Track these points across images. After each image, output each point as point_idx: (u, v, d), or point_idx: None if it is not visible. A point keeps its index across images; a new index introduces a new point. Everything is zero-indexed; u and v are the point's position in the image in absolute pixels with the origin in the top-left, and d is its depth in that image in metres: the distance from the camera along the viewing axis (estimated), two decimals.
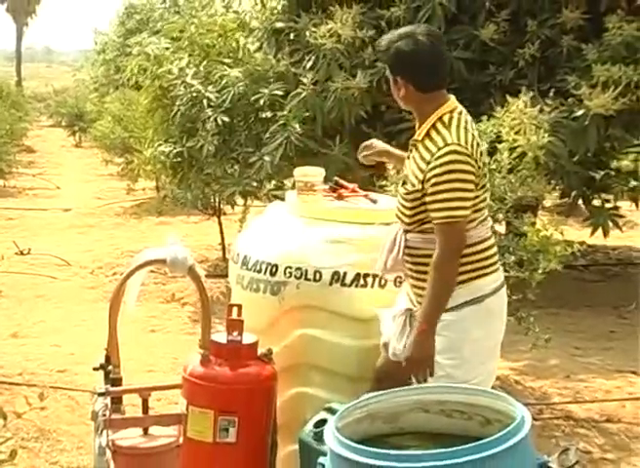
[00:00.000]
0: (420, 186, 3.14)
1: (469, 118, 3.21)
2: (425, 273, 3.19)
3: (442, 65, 3.29)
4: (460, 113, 3.20)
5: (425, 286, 3.18)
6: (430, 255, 3.14)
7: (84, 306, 7.47)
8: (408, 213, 3.22)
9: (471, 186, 3.10)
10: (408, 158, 3.29)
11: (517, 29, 6.73)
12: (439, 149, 3.08)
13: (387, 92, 6.59)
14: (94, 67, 24.44)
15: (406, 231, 3.26)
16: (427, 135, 3.16)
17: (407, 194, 3.21)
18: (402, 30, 3.27)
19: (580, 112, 6.00)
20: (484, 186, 3.21)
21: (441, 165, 3.06)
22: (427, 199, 3.12)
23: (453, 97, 3.25)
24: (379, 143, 3.73)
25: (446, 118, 3.16)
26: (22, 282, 8.19)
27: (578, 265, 8.65)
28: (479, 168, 3.12)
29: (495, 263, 3.27)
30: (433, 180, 3.08)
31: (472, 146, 3.10)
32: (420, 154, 3.17)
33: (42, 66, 75.64)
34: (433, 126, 3.16)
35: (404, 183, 3.26)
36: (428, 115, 3.18)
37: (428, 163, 3.10)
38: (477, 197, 3.16)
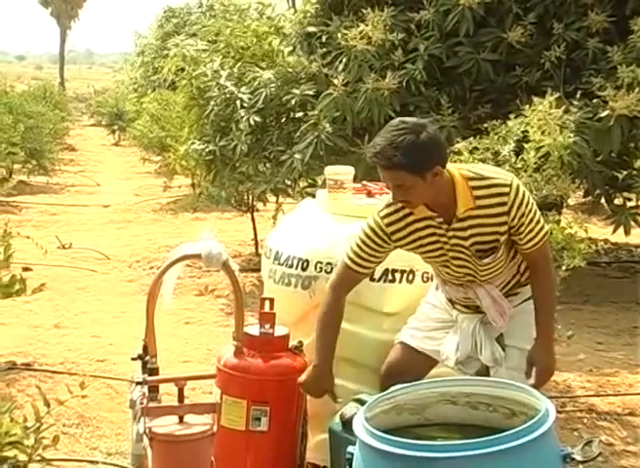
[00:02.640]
0: (507, 235, 3.17)
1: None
2: (507, 282, 3.35)
3: None
4: (463, 165, 3.31)
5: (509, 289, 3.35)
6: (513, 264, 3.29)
7: (122, 299, 7.52)
8: (503, 264, 3.25)
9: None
10: (451, 238, 3.18)
11: (543, 32, 6.73)
12: (509, 193, 3.08)
13: (415, 92, 6.75)
14: (133, 69, 24.56)
15: (489, 281, 3.30)
16: (476, 198, 3.10)
17: (496, 254, 3.19)
18: (403, 127, 3.01)
19: (605, 113, 5.99)
20: None
21: (522, 200, 3.09)
22: (521, 229, 3.15)
23: None
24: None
25: (468, 174, 3.12)
26: (64, 275, 8.24)
27: (601, 262, 8.67)
28: None
29: None
30: (524, 215, 3.11)
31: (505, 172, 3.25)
32: (486, 215, 3.12)
33: (84, 68, 76.31)
34: (471, 188, 3.10)
35: (479, 254, 3.19)
36: (450, 189, 3.09)
37: (510, 209, 3.09)
38: None
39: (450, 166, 3.16)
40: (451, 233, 3.18)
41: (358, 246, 3.27)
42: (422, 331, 3.54)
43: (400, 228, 3.23)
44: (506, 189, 3.09)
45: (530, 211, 3.14)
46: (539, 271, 3.28)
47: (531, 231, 3.17)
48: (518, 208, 3.11)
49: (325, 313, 3.35)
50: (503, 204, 3.10)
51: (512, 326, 3.35)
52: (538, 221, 3.18)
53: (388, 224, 3.23)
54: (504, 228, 3.15)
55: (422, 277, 3.68)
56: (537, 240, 3.19)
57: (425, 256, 3.34)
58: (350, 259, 3.29)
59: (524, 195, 3.12)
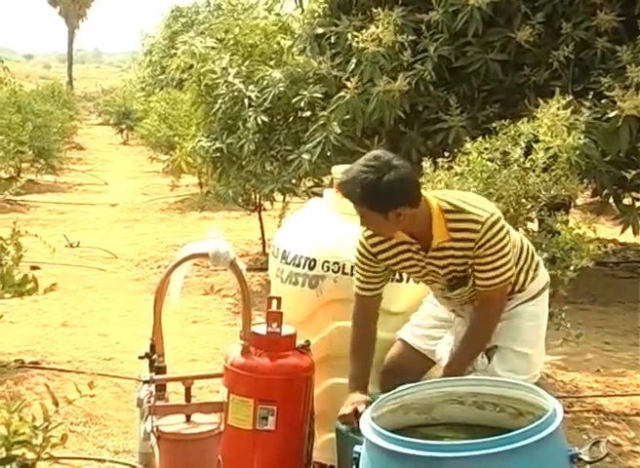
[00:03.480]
0: (470, 269, 3.15)
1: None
2: None
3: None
4: (439, 193, 3.24)
5: None
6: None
7: (130, 297, 7.55)
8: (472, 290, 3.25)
9: (512, 239, 3.18)
10: (428, 264, 3.19)
11: (552, 32, 6.72)
12: (477, 232, 3.05)
13: (425, 92, 6.76)
14: (140, 68, 24.70)
15: (473, 299, 3.29)
16: (451, 230, 3.10)
17: (467, 285, 3.21)
18: (372, 166, 2.98)
19: (613, 113, 5.99)
20: None
21: (487, 240, 3.06)
22: (477, 267, 3.13)
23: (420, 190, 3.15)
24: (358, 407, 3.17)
25: (446, 206, 3.10)
26: (72, 273, 8.27)
27: (609, 262, 8.66)
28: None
29: (533, 250, 3.43)
30: (481, 254, 3.08)
31: (488, 204, 3.19)
32: (459, 248, 3.12)
33: (92, 67, 76.57)
34: (447, 221, 3.09)
35: (452, 283, 3.21)
36: (427, 220, 3.09)
37: (475, 244, 3.07)
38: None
39: (430, 195, 3.15)
40: (428, 260, 3.20)
41: (356, 270, 3.33)
42: (423, 328, 3.55)
43: (385, 249, 3.25)
44: (478, 226, 3.06)
45: (495, 252, 3.08)
46: (481, 313, 3.22)
47: (487, 272, 3.12)
48: (482, 245, 3.07)
49: (352, 344, 3.37)
50: (471, 240, 3.08)
51: (506, 328, 3.31)
52: (500, 266, 3.11)
53: (373, 245, 3.25)
54: (470, 261, 3.15)
55: None
56: (489, 283, 3.15)
57: (411, 276, 3.42)
58: (356, 286, 3.35)
59: (496, 235, 3.07)
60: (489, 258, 3.10)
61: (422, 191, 3.14)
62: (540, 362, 3.46)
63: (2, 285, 2.50)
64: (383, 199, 2.98)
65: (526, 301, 3.35)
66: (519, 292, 3.33)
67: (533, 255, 3.39)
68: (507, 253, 3.13)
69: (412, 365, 3.46)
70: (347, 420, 3.14)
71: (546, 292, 3.46)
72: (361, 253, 3.28)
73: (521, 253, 3.32)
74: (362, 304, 3.36)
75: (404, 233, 3.16)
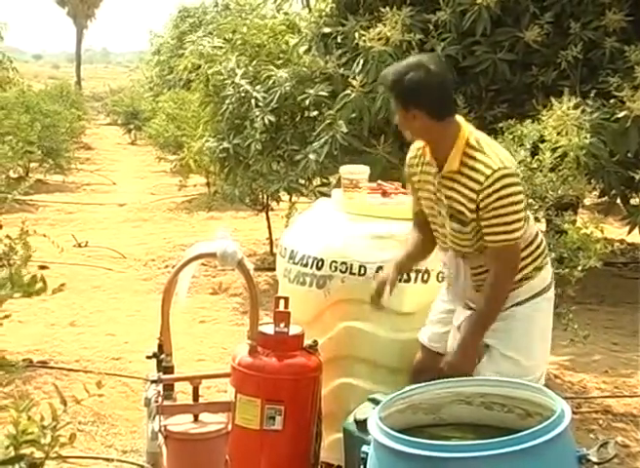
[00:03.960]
0: (474, 216, 3.14)
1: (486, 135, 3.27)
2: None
3: (452, 90, 3.36)
4: (475, 131, 3.24)
5: None
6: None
7: (138, 297, 7.56)
8: (469, 243, 3.23)
9: (523, 202, 3.15)
10: (438, 191, 3.24)
11: (560, 31, 6.69)
12: (487, 177, 3.07)
13: None
14: (148, 68, 24.79)
15: (466, 256, 3.28)
16: (462, 164, 3.14)
17: (464, 226, 3.20)
18: (409, 61, 3.25)
19: (622, 114, 5.97)
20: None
21: (496, 191, 3.06)
22: (483, 223, 3.13)
23: (462, 119, 3.26)
24: (389, 274, 3.41)
25: (473, 142, 3.16)
26: (80, 273, 8.28)
27: (617, 263, 8.64)
28: (521, 178, 3.23)
29: (547, 254, 3.38)
30: (490, 206, 3.08)
31: (511, 161, 3.17)
32: (462, 183, 3.15)
33: (100, 67, 76.81)
34: (465, 154, 3.14)
35: (451, 216, 3.22)
36: (451, 143, 3.16)
37: (478, 192, 3.09)
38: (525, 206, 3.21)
39: (467, 126, 3.22)
40: (438, 186, 3.24)
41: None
42: (433, 323, 3.55)
43: (415, 164, 3.37)
44: (488, 171, 3.08)
45: (502, 206, 3.08)
46: (490, 275, 3.20)
47: (493, 226, 3.12)
48: (486, 198, 3.08)
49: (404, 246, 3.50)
50: (478, 182, 3.10)
51: (500, 328, 3.27)
52: (506, 223, 3.10)
53: (410, 158, 3.42)
54: (473, 206, 3.13)
55: (437, 277, 3.68)
56: (493, 239, 3.14)
57: (425, 206, 3.40)
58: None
59: (504, 188, 3.07)
60: (494, 212, 3.09)
61: (461, 119, 3.23)
62: (534, 368, 3.35)
63: (11, 285, 2.51)
64: (402, 92, 3.17)
65: (521, 303, 3.28)
66: (513, 289, 3.26)
67: (541, 254, 3.33)
68: (516, 212, 3.11)
69: (433, 364, 3.43)
70: (373, 301, 3.39)
71: (547, 297, 3.36)
72: (406, 174, 3.42)
73: (531, 243, 3.28)
74: (415, 222, 3.50)
75: (428, 149, 3.27)
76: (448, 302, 3.51)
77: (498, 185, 3.07)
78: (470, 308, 3.34)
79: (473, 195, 3.12)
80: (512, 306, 3.26)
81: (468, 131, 3.20)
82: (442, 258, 3.45)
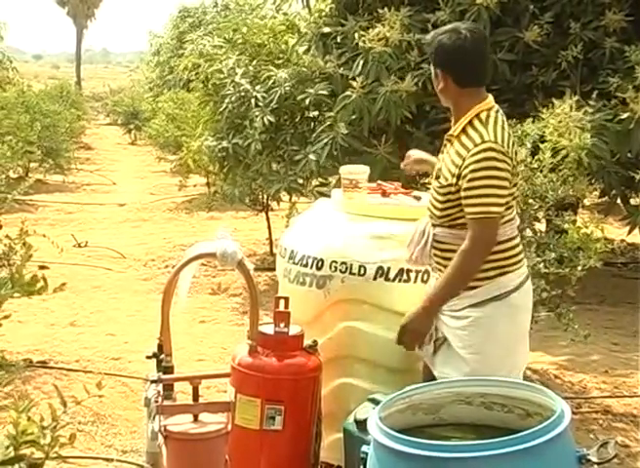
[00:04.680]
0: (454, 181, 3.16)
1: (505, 118, 3.25)
2: (447, 267, 3.23)
3: (482, 62, 3.31)
4: (498, 111, 3.24)
5: None
6: (454, 251, 3.18)
7: (138, 297, 7.58)
8: (439, 206, 3.24)
9: (506, 183, 3.13)
10: (442, 152, 3.31)
11: (560, 32, 6.71)
12: (476, 146, 3.11)
13: (432, 92, 6.73)
14: (148, 68, 24.81)
15: (435, 225, 3.28)
16: (463, 131, 3.19)
17: (440, 187, 3.23)
18: (449, 25, 3.34)
19: (625, 115, 5.98)
20: (516, 185, 3.26)
21: (478, 161, 3.09)
22: (462, 194, 3.14)
23: (491, 97, 3.28)
24: (415, 152, 3.78)
25: (483, 115, 3.19)
26: (80, 273, 8.30)
27: (617, 263, 8.67)
28: (514, 167, 3.17)
29: (520, 261, 3.29)
30: (470, 176, 3.10)
31: (508, 145, 3.14)
32: (455, 149, 3.19)
33: (100, 67, 76.90)
34: (470, 122, 3.18)
35: (437, 177, 3.28)
36: (465, 111, 3.21)
37: (464, 159, 3.13)
38: (511, 194, 3.19)
39: (492, 104, 3.25)
40: (444, 147, 3.30)
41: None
42: None
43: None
44: (474, 143, 3.12)
45: (478, 178, 3.09)
46: (464, 244, 3.16)
47: (469, 198, 3.12)
48: (469, 165, 3.11)
49: None
50: (463, 152, 3.14)
51: (456, 327, 3.24)
52: (481, 195, 3.10)
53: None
54: (456, 171, 3.15)
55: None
56: (471, 211, 3.14)
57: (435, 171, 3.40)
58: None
59: (482, 161, 3.09)
60: (474, 183, 3.10)
61: (490, 97, 3.27)
62: (486, 371, 3.14)
63: (12, 284, 2.51)
64: (433, 53, 3.28)
65: (478, 305, 3.21)
66: (470, 288, 3.20)
67: (512, 257, 3.25)
68: (495, 187, 3.11)
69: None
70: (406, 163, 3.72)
71: (512, 303, 3.24)
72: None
73: (504, 242, 3.22)
74: None
75: (453, 114, 3.30)
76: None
77: (481, 156, 3.10)
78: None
79: (459, 161, 3.15)
80: (469, 307, 3.21)
81: (489, 106, 3.24)
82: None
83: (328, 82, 7.16)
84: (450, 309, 3.25)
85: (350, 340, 3.66)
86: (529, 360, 5.27)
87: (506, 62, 6.74)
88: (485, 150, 3.10)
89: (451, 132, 3.26)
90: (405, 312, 3.62)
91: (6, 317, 2.82)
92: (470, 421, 2.82)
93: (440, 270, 3.29)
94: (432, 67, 3.32)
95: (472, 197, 3.12)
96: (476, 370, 3.17)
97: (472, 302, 3.21)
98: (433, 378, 3.23)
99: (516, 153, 3.26)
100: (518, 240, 3.34)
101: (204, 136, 8.45)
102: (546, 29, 6.67)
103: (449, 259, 3.23)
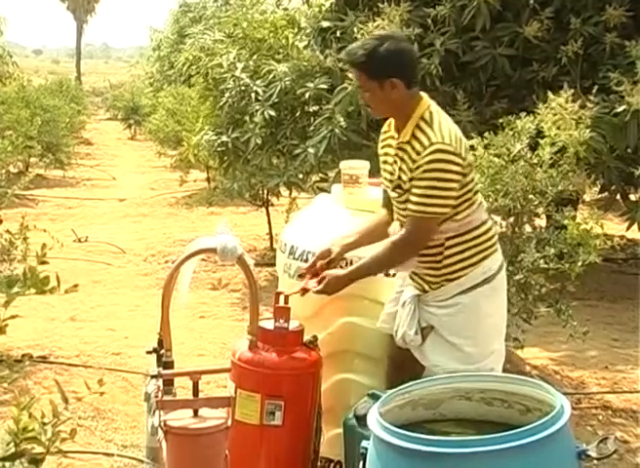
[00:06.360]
0: (409, 185, 3.19)
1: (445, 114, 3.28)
2: (428, 262, 3.28)
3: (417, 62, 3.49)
4: (435, 107, 3.26)
5: (429, 272, 3.28)
6: (434, 246, 3.23)
7: (138, 292, 7.59)
8: (404, 214, 3.25)
9: (453, 185, 3.15)
10: (394, 162, 3.28)
11: (560, 27, 6.69)
12: (424, 148, 3.13)
13: (431, 87, 6.73)
14: (149, 63, 24.78)
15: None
16: (413, 135, 3.19)
17: (400, 197, 3.25)
18: (375, 35, 3.35)
19: (622, 108, 5.97)
20: (471, 172, 3.27)
21: (428, 162, 3.11)
22: (410, 186, 3.18)
23: (425, 93, 3.30)
24: (335, 249, 3.47)
25: (427, 116, 3.20)
26: (80, 268, 8.31)
27: (617, 258, 8.63)
28: (464, 159, 3.18)
29: (495, 243, 3.36)
30: (418, 176, 3.13)
31: (456, 140, 3.16)
32: (408, 155, 3.20)
33: (100, 62, 76.92)
34: (417, 126, 3.20)
35: (395, 187, 3.28)
36: (410, 114, 3.22)
37: (414, 161, 3.16)
38: (465, 192, 3.20)
39: (427, 100, 3.27)
40: (394, 157, 3.29)
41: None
42: (387, 303, 3.55)
43: (384, 138, 3.42)
44: (423, 146, 3.13)
45: (424, 179, 3.12)
46: (399, 236, 3.24)
47: (415, 196, 3.15)
48: (418, 168, 3.13)
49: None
50: (415, 157, 3.15)
51: (444, 314, 3.28)
52: (423, 196, 3.13)
53: (382, 133, 3.46)
54: (410, 175, 3.17)
55: None
56: (411, 208, 3.17)
57: (384, 178, 3.41)
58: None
59: (435, 162, 3.10)
60: (419, 183, 3.13)
61: (423, 93, 3.29)
62: (479, 356, 3.28)
63: (24, 282, 2.51)
64: (380, 62, 3.18)
65: (465, 291, 3.27)
66: (458, 277, 3.26)
67: (487, 241, 3.30)
68: (439, 189, 3.13)
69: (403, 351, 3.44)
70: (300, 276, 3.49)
71: (493, 285, 3.32)
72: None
73: (477, 228, 3.27)
74: (383, 202, 3.51)
75: (393, 122, 3.31)
76: (400, 281, 3.51)
77: (428, 158, 3.12)
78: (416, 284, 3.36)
79: (412, 165, 3.17)
80: (457, 294, 3.27)
81: (427, 104, 3.26)
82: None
83: (328, 76, 7.15)
84: (437, 299, 3.30)
85: (350, 336, 3.66)
86: (528, 356, 5.31)
87: (506, 58, 6.73)
88: (433, 152, 3.12)
89: (400, 139, 3.25)
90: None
91: (12, 317, 2.82)
92: (470, 417, 2.82)
93: (417, 265, 3.32)
94: (374, 80, 3.22)
95: (415, 195, 3.16)
96: (470, 354, 3.24)
97: (461, 289, 3.27)
98: (418, 374, 3.23)
99: (466, 148, 3.26)
100: (490, 223, 3.40)
101: (204, 130, 8.46)
102: (547, 24, 6.64)
103: (424, 255, 3.27)
